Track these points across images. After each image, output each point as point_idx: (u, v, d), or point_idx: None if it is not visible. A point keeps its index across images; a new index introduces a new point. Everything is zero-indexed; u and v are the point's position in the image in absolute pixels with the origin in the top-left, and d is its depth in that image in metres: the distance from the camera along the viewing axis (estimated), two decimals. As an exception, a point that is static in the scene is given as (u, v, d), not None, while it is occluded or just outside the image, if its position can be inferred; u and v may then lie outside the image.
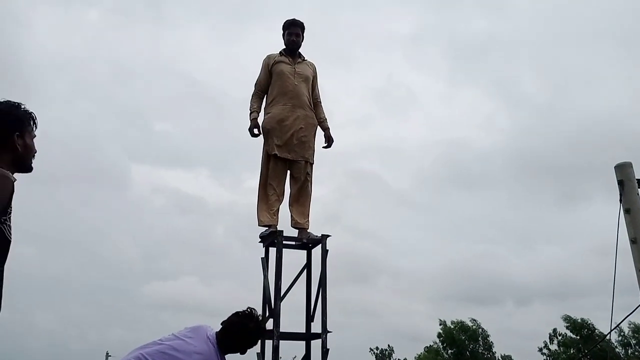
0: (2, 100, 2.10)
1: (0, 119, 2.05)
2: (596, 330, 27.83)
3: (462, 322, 32.04)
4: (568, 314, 28.97)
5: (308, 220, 5.19)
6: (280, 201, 5.16)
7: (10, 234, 1.89)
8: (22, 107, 2.12)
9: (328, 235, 5.06)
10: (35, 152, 2.13)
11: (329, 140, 5.35)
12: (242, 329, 2.90)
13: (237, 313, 2.99)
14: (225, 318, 2.95)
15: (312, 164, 5.26)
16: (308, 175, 5.21)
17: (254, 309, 2.99)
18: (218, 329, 2.90)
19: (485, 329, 32.27)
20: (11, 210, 1.90)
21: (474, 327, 32.03)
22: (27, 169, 2.12)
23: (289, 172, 5.21)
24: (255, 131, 5.13)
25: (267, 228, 5.08)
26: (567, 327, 28.84)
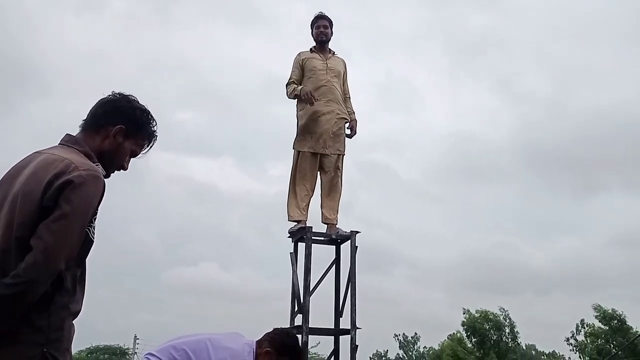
0: (139, 103, 1.94)
1: (117, 105, 1.89)
2: (627, 322, 27.24)
3: (487, 311, 31.78)
4: (596, 303, 28.43)
5: (337, 217, 5.17)
6: (310, 196, 5.15)
7: (94, 234, 1.77)
8: (150, 118, 1.94)
9: (357, 232, 5.03)
10: (124, 165, 1.93)
11: (352, 129, 5.28)
12: (297, 355, 2.90)
13: (287, 333, 2.97)
14: (270, 331, 2.93)
15: (343, 156, 5.23)
16: (338, 170, 5.19)
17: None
18: (258, 339, 2.89)
19: (513, 318, 31.95)
20: (97, 211, 1.76)
21: (502, 315, 31.74)
22: (106, 170, 1.87)
23: (319, 166, 5.19)
24: (313, 93, 4.93)
25: (296, 223, 5.08)
26: (596, 317, 28.32)
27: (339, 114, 5.16)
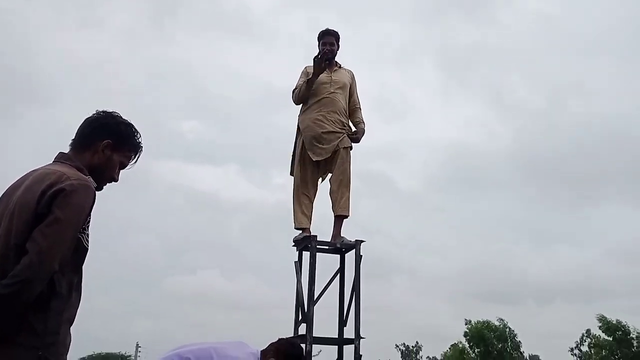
0: (123, 118, 2.07)
1: (102, 122, 2.01)
2: (632, 333, 26.98)
3: (488, 322, 31.59)
4: (601, 314, 28.18)
5: (348, 208, 5.09)
6: (312, 204, 5.15)
7: (88, 242, 1.88)
8: (135, 131, 2.07)
9: (362, 241, 5.01)
10: (114, 177, 2.05)
11: (356, 133, 5.22)
12: None
13: (292, 344, 2.98)
14: (275, 341, 2.93)
15: (350, 148, 5.16)
16: (346, 162, 5.10)
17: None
18: (263, 348, 2.89)
19: (512, 328, 31.76)
20: (90, 219, 1.86)
21: (501, 326, 31.54)
22: (98, 183, 1.99)
23: (326, 169, 5.17)
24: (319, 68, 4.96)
25: (301, 232, 5.08)
26: (600, 328, 28.08)
27: (341, 124, 5.13)
